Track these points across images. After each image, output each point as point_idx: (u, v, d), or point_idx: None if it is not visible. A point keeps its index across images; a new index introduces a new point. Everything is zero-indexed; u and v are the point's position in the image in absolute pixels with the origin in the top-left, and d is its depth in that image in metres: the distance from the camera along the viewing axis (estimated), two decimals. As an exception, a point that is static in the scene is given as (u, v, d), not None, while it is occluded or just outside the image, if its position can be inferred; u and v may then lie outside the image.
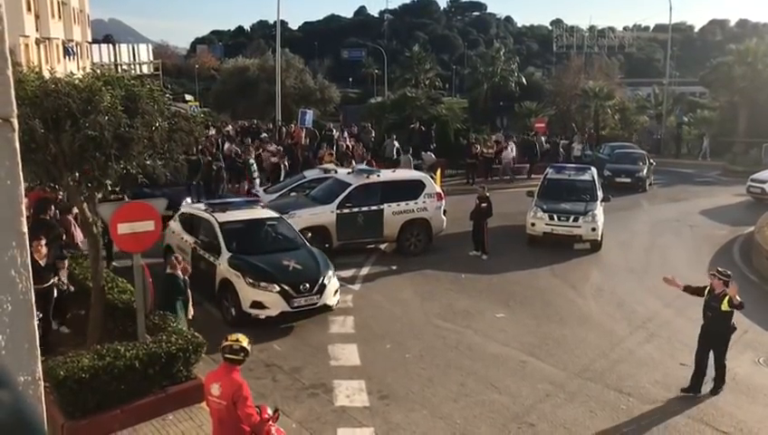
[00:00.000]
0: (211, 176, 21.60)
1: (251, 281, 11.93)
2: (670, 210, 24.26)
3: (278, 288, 11.84)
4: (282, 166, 23.75)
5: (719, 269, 10.37)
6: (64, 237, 13.45)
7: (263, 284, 11.90)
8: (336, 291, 12.66)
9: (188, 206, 15.89)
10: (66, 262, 11.59)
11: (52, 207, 13.56)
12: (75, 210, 12.35)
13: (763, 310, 13.78)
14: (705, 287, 10.26)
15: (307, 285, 12.05)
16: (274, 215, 14.45)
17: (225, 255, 12.56)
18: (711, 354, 10.11)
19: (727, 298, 9.74)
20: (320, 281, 12.25)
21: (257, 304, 11.85)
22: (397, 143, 28.57)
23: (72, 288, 11.24)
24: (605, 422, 9.19)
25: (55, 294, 10.77)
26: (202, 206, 14.79)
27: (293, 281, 12.01)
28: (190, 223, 14.45)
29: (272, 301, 11.83)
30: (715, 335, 10.02)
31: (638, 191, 27.24)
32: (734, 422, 9.18)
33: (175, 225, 14.82)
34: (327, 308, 12.43)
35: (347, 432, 8.75)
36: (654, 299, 14.17)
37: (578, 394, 9.95)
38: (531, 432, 8.88)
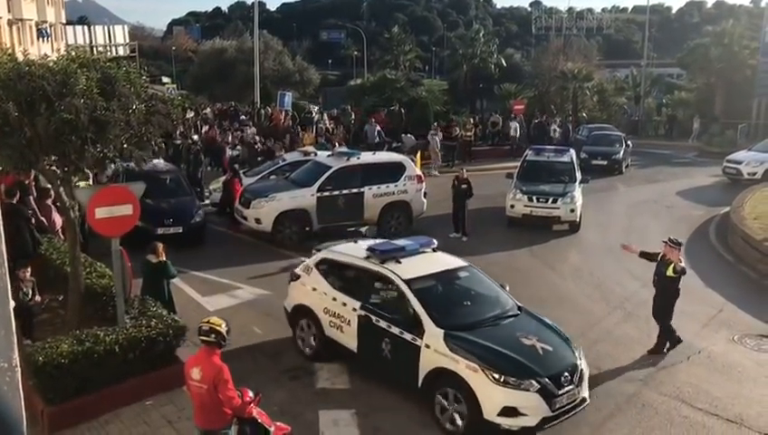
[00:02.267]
0: (189, 160, 21.43)
1: (497, 377, 8.03)
2: (647, 191, 24.50)
3: (537, 385, 8.07)
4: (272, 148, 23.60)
5: (670, 237, 10.94)
6: (33, 221, 12.74)
7: (514, 380, 8.05)
8: (587, 375, 8.93)
9: (332, 251, 10.81)
10: (29, 270, 10.13)
11: (17, 192, 12.88)
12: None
13: (738, 289, 14.05)
14: (659, 254, 10.95)
15: (567, 375, 8.37)
16: (462, 263, 10.36)
17: (435, 332, 8.56)
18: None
19: (672, 264, 10.44)
20: (579, 366, 8.66)
21: (509, 411, 7.99)
22: (378, 126, 28.39)
23: (38, 298, 10.28)
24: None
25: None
26: (360, 251, 10.17)
27: (553, 371, 8.28)
28: (342, 276, 10.28)
29: (530, 404, 8.02)
30: (659, 298, 10.82)
31: (614, 174, 27.41)
32: (709, 399, 9.34)
33: (312, 278, 10.44)
34: (583, 403, 8.62)
35: (328, 414, 8.78)
36: (631, 279, 14.33)
37: (557, 374, 10.06)
38: (511, 412, 8.95)
